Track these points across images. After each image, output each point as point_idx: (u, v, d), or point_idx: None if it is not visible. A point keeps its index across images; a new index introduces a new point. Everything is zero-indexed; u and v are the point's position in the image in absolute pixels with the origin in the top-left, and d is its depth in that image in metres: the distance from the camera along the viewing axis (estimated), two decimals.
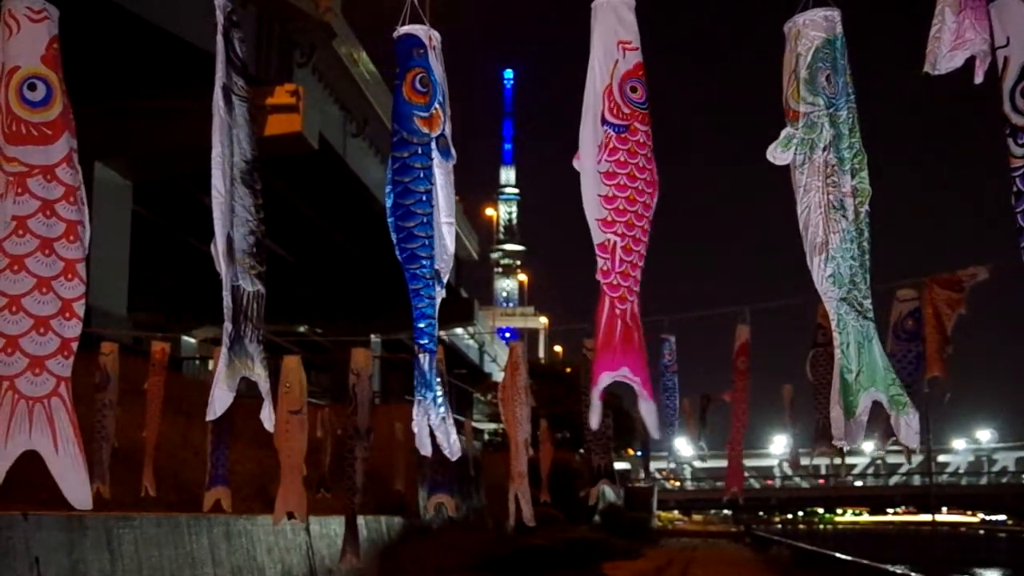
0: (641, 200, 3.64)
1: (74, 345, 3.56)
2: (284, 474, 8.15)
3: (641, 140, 3.66)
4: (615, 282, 3.60)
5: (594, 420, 3.72)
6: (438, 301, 3.61)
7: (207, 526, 12.80)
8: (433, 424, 3.55)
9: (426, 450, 3.57)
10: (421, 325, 3.60)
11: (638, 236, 3.63)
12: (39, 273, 3.50)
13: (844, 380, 3.46)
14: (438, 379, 3.58)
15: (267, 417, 3.75)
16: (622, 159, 3.63)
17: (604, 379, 3.55)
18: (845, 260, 3.45)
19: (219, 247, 3.57)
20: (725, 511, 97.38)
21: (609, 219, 3.61)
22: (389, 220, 3.61)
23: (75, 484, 3.51)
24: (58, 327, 3.52)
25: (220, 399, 3.62)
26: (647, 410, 3.62)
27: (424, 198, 3.59)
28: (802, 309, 8.60)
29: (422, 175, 3.60)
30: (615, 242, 3.60)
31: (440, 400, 3.57)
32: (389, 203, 3.62)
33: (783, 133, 3.45)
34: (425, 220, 3.59)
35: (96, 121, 20.34)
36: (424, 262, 3.60)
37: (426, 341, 3.57)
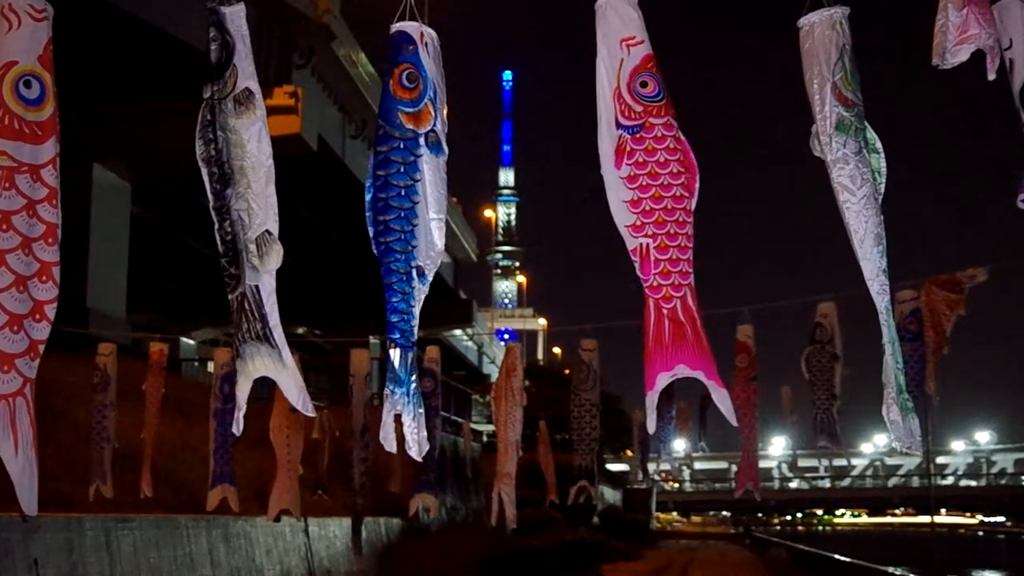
0: (669, 195, 3.56)
1: (41, 348, 3.52)
2: (280, 471, 8.19)
3: (659, 134, 3.57)
4: (655, 283, 3.53)
5: (650, 424, 3.59)
6: (421, 297, 3.59)
7: (206, 527, 12.80)
8: (403, 420, 3.53)
9: (391, 446, 3.56)
10: (393, 319, 3.59)
11: (672, 231, 3.55)
12: (18, 271, 3.45)
13: (898, 380, 3.41)
14: (413, 376, 3.56)
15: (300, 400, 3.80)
16: (641, 160, 3.56)
17: (661, 380, 3.48)
18: (886, 255, 3.45)
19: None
20: (724, 512, 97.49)
21: (638, 223, 3.55)
22: (367, 214, 3.60)
23: (28, 489, 3.47)
24: (28, 328, 3.48)
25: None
26: (719, 398, 3.53)
27: (403, 192, 3.57)
28: (800, 310, 8.63)
29: (403, 170, 3.59)
30: (647, 244, 3.54)
31: (413, 395, 3.54)
32: (368, 196, 3.60)
33: (832, 123, 3.41)
34: (403, 215, 3.57)
35: (95, 123, 20.41)
36: (399, 256, 3.58)
37: (397, 336, 3.56)
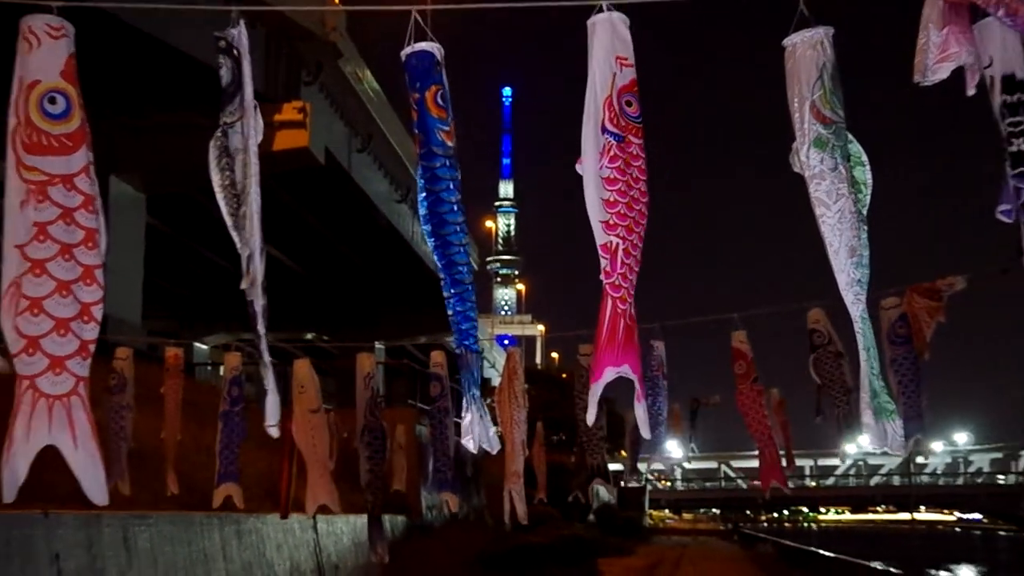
0: (637, 208, 3.61)
1: (92, 347, 3.61)
2: (311, 470, 8.24)
3: (635, 152, 3.64)
4: (617, 283, 3.57)
5: (591, 415, 3.69)
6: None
7: (219, 524, 13.07)
8: (473, 420, 3.76)
9: (473, 446, 3.80)
10: (465, 327, 3.74)
11: (636, 241, 3.60)
12: (60, 277, 3.53)
13: (873, 385, 3.55)
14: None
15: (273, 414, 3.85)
16: (622, 166, 3.62)
17: (608, 374, 3.53)
18: (866, 266, 3.55)
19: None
20: (714, 510, 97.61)
21: (612, 222, 3.58)
22: (424, 228, 3.70)
23: (93, 480, 3.53)
24: (77, 329, 3.56)
25: (274, 406, 3.86)
26: (640, 411, 3.63)
27: (455, 208, 3.69)
28: (788, 315, 8.51)
29: (451, 186, 3.68)
30: (617, 244, 3.57)
31: (478, 398, 3.76)
32: (423, 211, 3.68)
33: (810, 140, 3.51)
34: (458, 229, 3.69)
35: (111, 136, 20.53)
36: (463, 268, 3.71)
37: (471, 342, 3.75)
